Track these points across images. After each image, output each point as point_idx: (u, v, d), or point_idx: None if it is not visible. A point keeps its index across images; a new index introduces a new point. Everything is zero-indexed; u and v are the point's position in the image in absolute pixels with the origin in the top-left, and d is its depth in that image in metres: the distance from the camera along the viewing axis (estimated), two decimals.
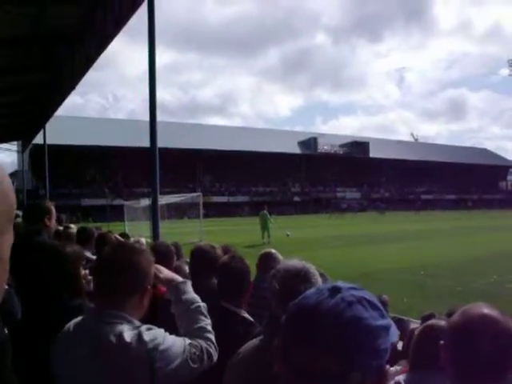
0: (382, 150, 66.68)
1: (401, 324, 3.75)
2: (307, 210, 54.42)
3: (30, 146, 21.14)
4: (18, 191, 23.30)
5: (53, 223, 3.26)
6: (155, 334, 1.37)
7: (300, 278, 1.40)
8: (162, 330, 1.42)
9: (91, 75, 8.69)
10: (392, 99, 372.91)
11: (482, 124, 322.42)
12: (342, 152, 65.90)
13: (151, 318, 1.53)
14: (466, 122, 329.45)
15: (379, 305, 0.68)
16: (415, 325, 3.38)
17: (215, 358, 1.50)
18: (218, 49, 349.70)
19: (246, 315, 2.05)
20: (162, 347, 1.34)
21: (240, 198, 55.76)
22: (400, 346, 2.83)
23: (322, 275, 1.52)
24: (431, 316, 2.60)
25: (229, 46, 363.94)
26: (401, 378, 1.71)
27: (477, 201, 64.26)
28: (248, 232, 21.19)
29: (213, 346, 1.50)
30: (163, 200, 16.36)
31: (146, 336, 1.34)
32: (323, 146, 64.06)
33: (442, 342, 1.23)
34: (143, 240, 4.27)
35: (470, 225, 24.74)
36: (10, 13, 5.89)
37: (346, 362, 0.61)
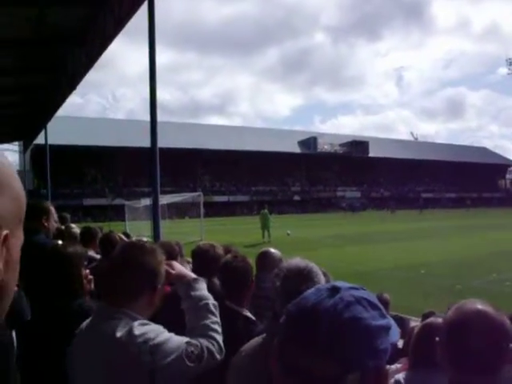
0: (381, 149, 66.55)
1: (401, 322, 3.77)
2: (307, 209, 54.35)
3: (32, 146, 21.13)
4: None
5: (51, 224, 3.22)
6: (148, 329, 1.36)
7: (303, 277, 1.40)
8: (159, 326, 1.41)
9: (91, 75, 8.70)
10: (391, 98, 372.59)
11: (481, 123, 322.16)
12: (341, 151, 65.75)
13: (152, 316, 1.54)
14: (465, 120, 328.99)
15: (379, 304, 0.67)
16: (415, 323, 3.41)
17: (219, 356, 1.47)
18: (217, 48, 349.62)
19: (248, 314, 2.06)
20: (152, 342, 1.33)
21: (240, 198, 55.66)
22: (401, 344, 2.85)
23: (324, 274, 1.52)
24: (431, 314, 2.62)
25: (228, 46, 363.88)
26: (400, 376, 1.72)
27: (476, 199, 64.10)
28: (248, 231, 21.18)
29: (216, 345, 1.47)
30: (164, 200, 16.36)
31: (137, 330, 1.33)
32: (323, 146, 63.96)
33: (437, 338, 1.24)
34: (144, 240, 4.29)
35: (469, 223, 24.71)
36: (11, 15, 5.91)
37: (344, 363, 0.61)
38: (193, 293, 1.58)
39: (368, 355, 0.62)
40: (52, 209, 3.25)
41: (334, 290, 0.66)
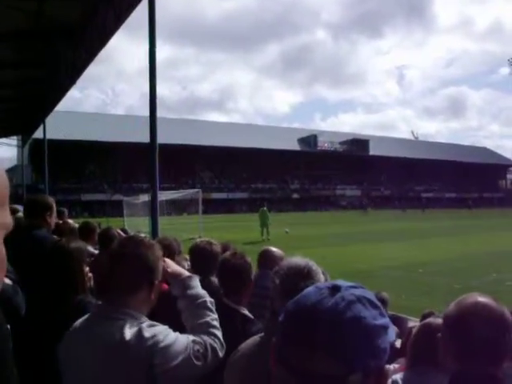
0: (382, 148, 66.60)
1: (398, 322, 3.77)
2: (306, 208, 54.39)
3: (30, 140, 21.08)
4: (17, 186, 23.23)
5: (53, 220, 3.23)
6: (157, 331, 1.35)
7: (302, 276, 1.39)
8: (166, 327, 1.40)
9: (90, 70, 8.64)
10: (392, 96, 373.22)
11: (482, 122, 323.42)
12: (341, 149, 65.79)
13: (150, 315, 1.53)
14: (466, 120, 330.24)
15: (378, 303, 0.66)
16: (413, 323, 3.40)
17: (221, 353, 1.47)
18: (216, 44, 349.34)
19: (246, 312, 2.04)
20: (162, 344, 1.32)
21: (239, 195, 55.71)
22: (398, 343, 2.84)
23: (322, 273, 1.52)
24: (431, 314, 2.61)
25: (227, 41, 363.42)
26: (398, 376, 1.71)
27: (476, 199, 64.30)
28: (247, 228, 21.19)
29: (218, 342, 1.47)
30: (163, 196, 16.36)
31: (147, 332, 1.32)
32: (323, 144, 63.95)
33: (439, 334, 1.25)
34: (142, 236, 4.27)
35: (469, 223, 24.77)
36: (10, 7, 5.86)
37: (345, 363, 0.60)
38: (189, 291, 1.57)
39: (370, 355, 0.61)
40: (54, 205, 3.26)
41: (335, 289, 0.65)
